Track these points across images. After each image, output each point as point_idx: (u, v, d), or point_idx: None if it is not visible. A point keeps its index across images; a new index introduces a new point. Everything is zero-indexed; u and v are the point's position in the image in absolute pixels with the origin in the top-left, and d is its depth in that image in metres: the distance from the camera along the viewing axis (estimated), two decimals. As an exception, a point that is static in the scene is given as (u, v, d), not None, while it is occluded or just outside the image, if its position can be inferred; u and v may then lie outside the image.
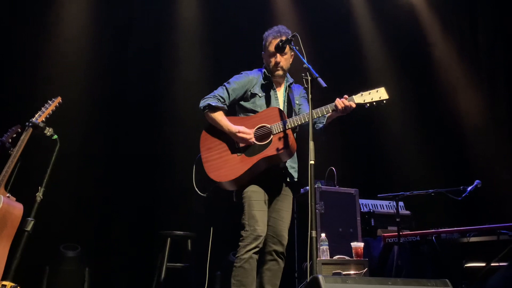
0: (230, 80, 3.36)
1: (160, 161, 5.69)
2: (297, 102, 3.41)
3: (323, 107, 3.14)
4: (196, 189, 3.20)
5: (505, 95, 6.27)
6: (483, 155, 6.21)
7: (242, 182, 3.13)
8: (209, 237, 4.92)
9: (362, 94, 3.16)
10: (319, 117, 3.18)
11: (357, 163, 6.49)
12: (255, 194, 3.13)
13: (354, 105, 3.11)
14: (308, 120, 3.00)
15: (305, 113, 3.16)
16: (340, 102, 3.09)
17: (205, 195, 3.20)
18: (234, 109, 3.42)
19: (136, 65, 5.86)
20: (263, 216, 3.11)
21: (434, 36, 6.89)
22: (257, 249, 3.02)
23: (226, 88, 3.29)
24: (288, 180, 3.34)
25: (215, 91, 3.30)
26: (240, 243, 3.05)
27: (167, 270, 4.69)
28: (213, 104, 3.19)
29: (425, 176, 6.22)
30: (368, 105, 3.14)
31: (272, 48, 3.30)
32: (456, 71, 6.70)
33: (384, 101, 3.15)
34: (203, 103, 3.24)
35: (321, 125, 3.30)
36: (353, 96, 3.16)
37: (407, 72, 6.88)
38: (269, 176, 3.18)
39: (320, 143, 3.28)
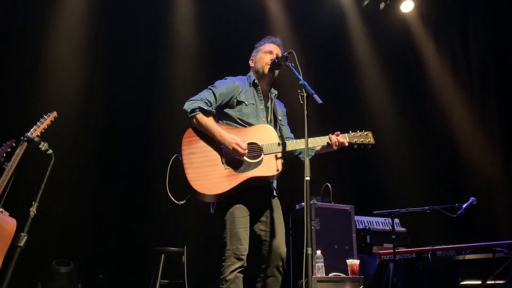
0: (216, 84, 3.19)
1: (153, 177, 5.66)
2: (279, 118, 3.34)
3: (317, 138, 3.15)
4: (170, 195, 2.96)
5: (498, 113, 6.32)
6: (478, 172, 6.23)
7: (225, 197, 2.97)
8: (204, 252, 4.91)
9: (353, 134, 3.27)
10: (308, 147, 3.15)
11: (352, 180, 6.49)
12: (237, 210, 2.97)
13: (347, 143, 3.21)
14: (300, 147, 3.09)
15: (298, 140, 3.14)
16: (334, 139, 3.15)
17: (180, 203, 2.96)
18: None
19: (131, 80, 5.89)
20: (246, 234, 2.96)
21: (427, 53, 6.97)
22: (242, 268, 2.89)
23: (213, 92, 3.11)
24: (274, 193, 3.21)
25: (200, 93, 3.11)
26: (223, 263, 2.87)
27: (161, 287, 4.65)
28: (206, 108, 3.00)
29: (421, 193, 6.24)
30: (356, 146, 3.27)
31: (268, 48, 3.30)
32: (449, 89, 6.76)
33: (370, 146, 3.29)
34: (191, 105, 3.02)
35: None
36: (345, 135, 3.25)
37: (401, 90, 6.94)
38: (255, 191, 3.04)
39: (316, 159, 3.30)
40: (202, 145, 3.03)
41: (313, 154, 3.28)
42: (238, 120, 3.15)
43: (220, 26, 6.41)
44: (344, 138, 3.20)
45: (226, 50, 6.28)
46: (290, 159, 3.28)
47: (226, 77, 3.29)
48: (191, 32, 6.31)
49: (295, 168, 3.28)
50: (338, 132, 3.20)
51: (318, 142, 3.16)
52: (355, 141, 3.25)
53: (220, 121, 3.20)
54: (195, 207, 3.86)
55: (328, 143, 3.17)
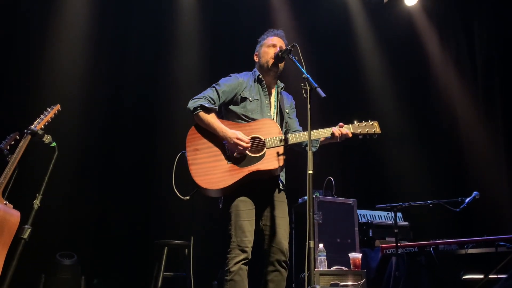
0: (220, 81, 3.23)
1: (156, 170, 5.68)
2: (286, 111, 3.34)
3: (319, 130, 3.14)
4: (176, 191, 3.03)
5: (502, 108, 6.30)
6: (481, 167, 6.23)
7: (229, 191, 3.02)
8: (206, 245, 4.93)
9: (357, 125, 3.24)
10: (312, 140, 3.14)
11: (355, 174, 6.48)
12: (242, 204, 3.01)
13: (350, 135, 3.18)
14: (303, 140, 3.09)
15: (301, 132, 3.15)
16: (337, 130, 3.13)
17: (186, 198, 3.03)
18: (219, 112, 3.26)
19: (135, 74, 5.88)
20: (251, 227, 3.01)
21: (431, 47, 6.95)
22: (246, 260, 2.93)
23: (216, 90, 3.16)
24: (281, 187, 3.22)
25: (204, 92, 3.17)
26: (228, 255, 2.93)
27: (164, 280, 4.67)
28: (207, 106, 3.05)
29: (423, 187, 6.23)
30: (361, 136, 3.24)
31: (271, 42, 3.29)
32: (454, 83, 6.74)
33: (376, 136, 3.25)
34: (193, 104, 3.09)
35: (313, 149, 3.19)
36: (350, 125, 3.22)
37: (405, 84, 6.93)
38: (260, 184, 3.07)
39: (319, 153, 3.30)
40: (205, 141, 3.09)
41: (318, 146, 3.27)
42: (243, 117, 3.18)
43: (224, 20, 6.38)
44: (347, 129, 3.18)
45: (230, 44, 6.26)
46: (298, 151, 3.29)
47: (231, 74, 3.30)
48: (195, 26, 6.28)
49: (298, 162, 3.28)
50: (342, 124, 3.19)
51: (321, 134, 3.16)
52: (360, 132, 3.21)
53: (225, 118, 3.22)
54: (199, 201, 3.89)
55: (331, 134, 3.15)
